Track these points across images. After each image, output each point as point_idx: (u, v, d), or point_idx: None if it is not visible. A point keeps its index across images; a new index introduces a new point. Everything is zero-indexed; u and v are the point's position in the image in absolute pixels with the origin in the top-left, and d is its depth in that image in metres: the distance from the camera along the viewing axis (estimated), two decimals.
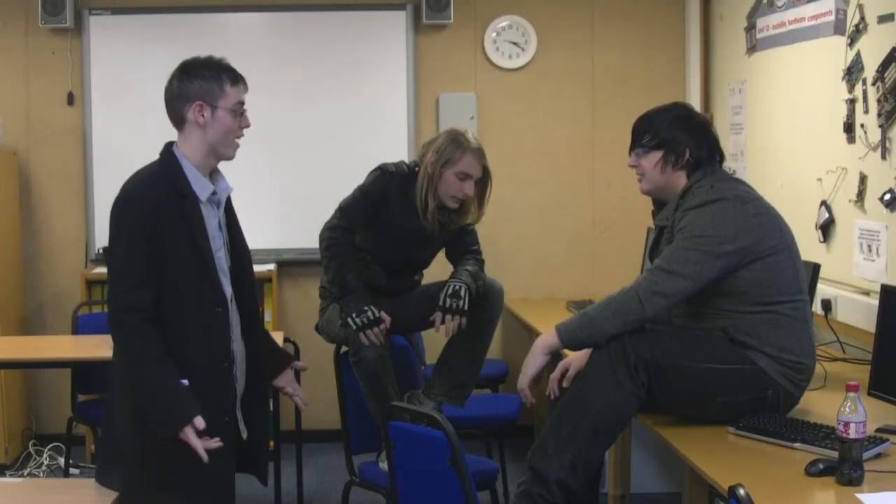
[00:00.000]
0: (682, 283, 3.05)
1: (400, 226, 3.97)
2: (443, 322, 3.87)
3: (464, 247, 4.09)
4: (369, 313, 3.79)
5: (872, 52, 4.00)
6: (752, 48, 5.16)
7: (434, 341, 5.65)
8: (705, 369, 3.03)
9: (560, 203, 6.06)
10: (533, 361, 3.20)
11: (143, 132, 5.78)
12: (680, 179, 3.25)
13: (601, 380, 3.01)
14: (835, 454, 2.62)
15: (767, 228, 3.13)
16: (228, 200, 3.06)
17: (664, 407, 3.12)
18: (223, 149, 2.99)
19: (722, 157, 3.31)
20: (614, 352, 3.02)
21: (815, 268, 3.87)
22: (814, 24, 4.47)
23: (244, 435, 3.07)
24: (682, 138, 3.22)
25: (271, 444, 4.63)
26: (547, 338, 3.19)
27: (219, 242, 2.97)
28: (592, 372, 3.04)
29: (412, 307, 4.07)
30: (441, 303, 3.87)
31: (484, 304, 3.95)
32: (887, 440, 2.84)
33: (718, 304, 3.13)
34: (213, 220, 2.96)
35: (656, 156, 3.24)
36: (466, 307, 3.86)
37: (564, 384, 3.21)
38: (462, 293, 3.86)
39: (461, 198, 3.94)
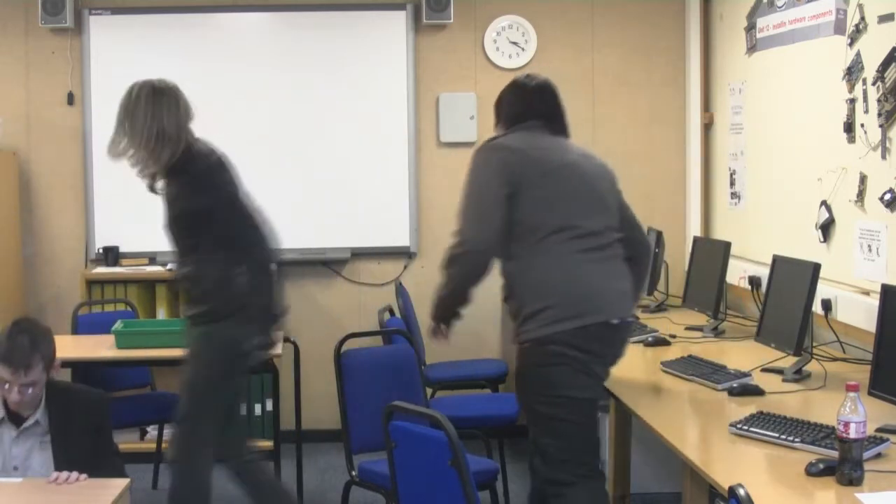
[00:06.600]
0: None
1: None
2: None
3: None
4: None
5: (872, 51, 4.00)
6: (752, 48, 5.16)
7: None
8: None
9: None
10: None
11: None
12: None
13: None
14: (835, 454, 2.63)
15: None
16: None
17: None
18: None
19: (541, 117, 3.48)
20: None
21: (815, 268, 3.86)
22: (814, 24, 4.48)
23: None
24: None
25: (271, 443, 4.64)
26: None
27: None
28: None
29: None
30: None
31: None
32: (887, 440, 2.85)
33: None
34: None
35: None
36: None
37: None
38: None
39: None
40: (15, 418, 3.28)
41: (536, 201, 3.29)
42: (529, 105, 3.48)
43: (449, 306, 3.47)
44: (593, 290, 3.32)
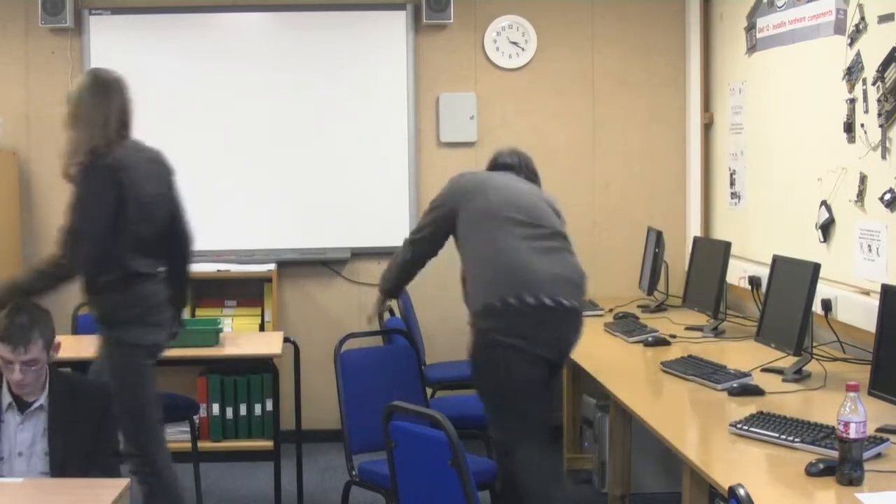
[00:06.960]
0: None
1: None
2: None
3: None
4: None
5: (872, 51, 4.00)
6: (752, 48, 5.16)
7: (433, 341, 5.66)
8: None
9: (560, 203, 6.04)
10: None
11: (142, 131, 5.79)
12: None
13: None
14: (835, 454, 2.63)
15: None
16: None
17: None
18: None
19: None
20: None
21: (815, 268, 3.86)
22: (814, 24, 4.48)
23: None
24: None
25: (271, 443, 4.63)
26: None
27: None
28: None
29: None
30: None
31: None
32: (887, 440, 2.85)
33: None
34: None
35: None
36: None
37: None
38: None
39: None
40: (20, 404, 3.30)
41: (479, 207, 3.82)
42: (502, 163, 4.08)
43: (392, 282, 4.17)
44: (526, 267, 3.66)
